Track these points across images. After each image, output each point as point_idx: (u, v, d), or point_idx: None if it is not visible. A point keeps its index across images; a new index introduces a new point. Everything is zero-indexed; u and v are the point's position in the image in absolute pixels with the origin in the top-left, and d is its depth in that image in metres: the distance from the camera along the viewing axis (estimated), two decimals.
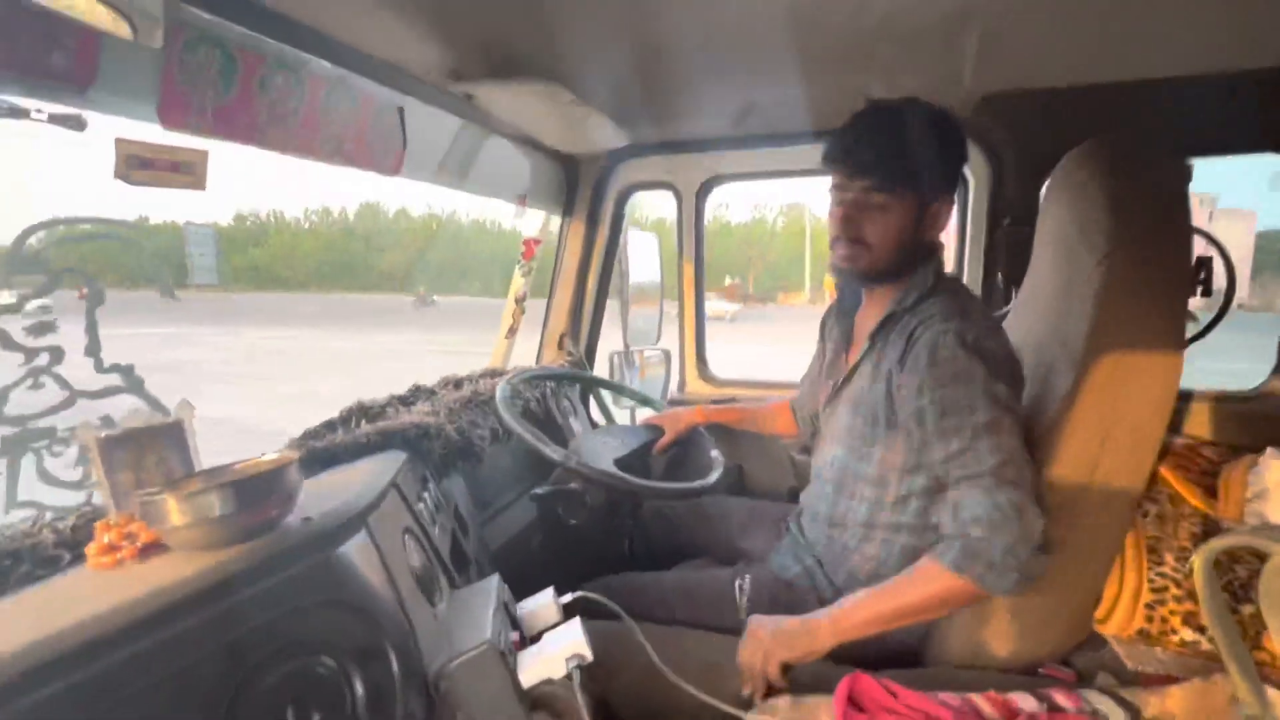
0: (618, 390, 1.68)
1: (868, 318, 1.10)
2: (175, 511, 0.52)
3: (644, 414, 1.76)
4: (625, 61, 1.18)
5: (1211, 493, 1.10)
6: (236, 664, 0.50)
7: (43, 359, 0.78)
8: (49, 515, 0.71)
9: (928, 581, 0.88)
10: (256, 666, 0.51)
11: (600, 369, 1.90)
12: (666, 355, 1.95)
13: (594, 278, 1.87)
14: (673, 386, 1.95)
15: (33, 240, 0.78)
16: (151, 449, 0.62)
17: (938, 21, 1.00)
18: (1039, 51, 1.16)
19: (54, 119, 0.73)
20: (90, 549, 0.56)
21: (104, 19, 0.75)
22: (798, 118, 1.51)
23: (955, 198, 1.01)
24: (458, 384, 1.48)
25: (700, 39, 1.06)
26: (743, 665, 0.94)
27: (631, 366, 1.88)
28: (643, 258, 1.96)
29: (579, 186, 1.80)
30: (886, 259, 1.00)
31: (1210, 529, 1.03)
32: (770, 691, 0.92)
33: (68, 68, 0.72)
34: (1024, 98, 1.35)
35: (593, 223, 1.83)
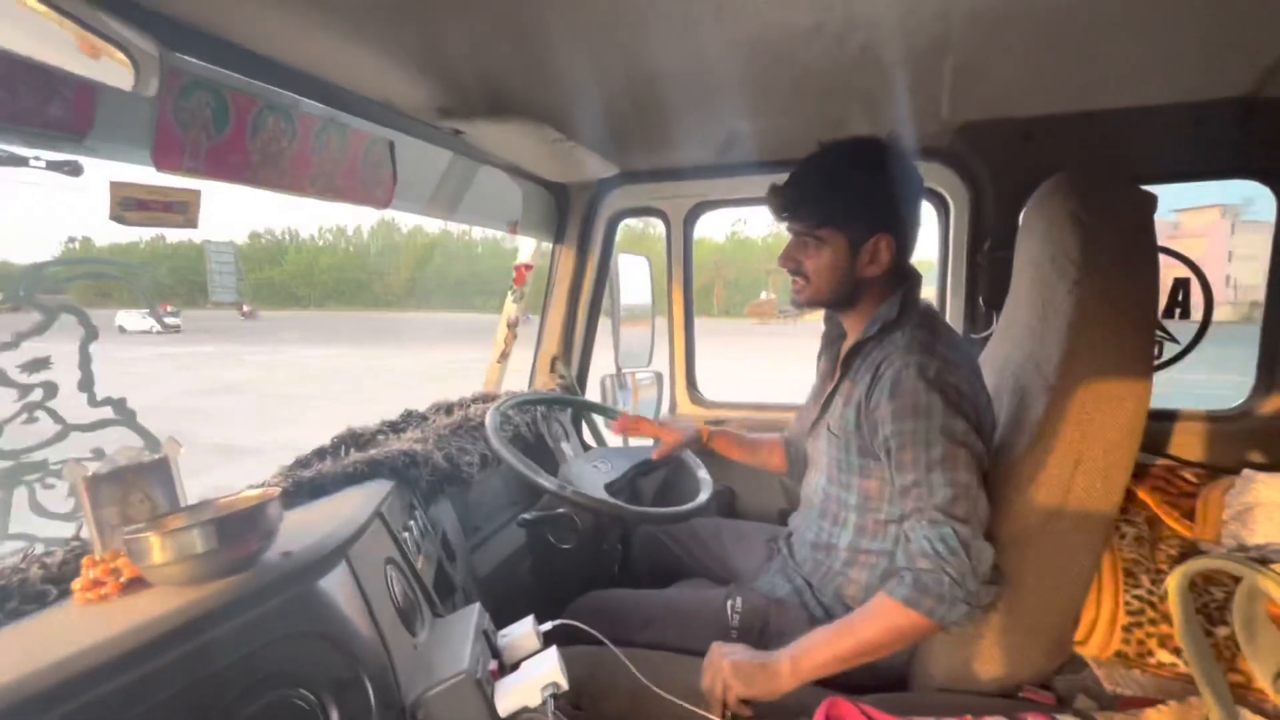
0: (608, 414, 1.70)
1: (845, 347, 1.13)
2: (158, 549, 0.54)
3: (637, 439, 1.78)
4: (612, 98, 1.21)
5: (1190, 515, 1.11)
6: (216, 697, 0.51)
7: (36, 394, 0.81)
8: (38, 549, 0.72)
9: (882, 617, 0.90)
10: (235, 699, 0.52)
11: (593, 391, 1.92)
12: (658, 377, 1.97)
13: (585, 302, 1.89)
14: (664, 409, 1.97)
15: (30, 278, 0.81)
16: (137, 485, 0.64)
17: (915, 53, 1.03)
18: (1014, 82, 1.20)
19: (52, 166, 0.76)
20: (76, 585, 0.57)
21: (102, 71, 0.79)
22: (781, 146, 1.55)
23: (898, 234, 1.02)
24: (449, 410, 1.50)
25: (684, 74, 1.10)
26: (703, 690, 0.95)
27: (624, 388, 1.90)
28: (634, 281, 1.99)
29: (569, 213, 1.84)
30: (825, 291, 1.05)
31: (1188, 551, 1.05)
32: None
33: (66, 117, 0.75)
34: (1000, 126, 1.39)
35: (583, 248, 1.86)
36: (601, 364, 1.96)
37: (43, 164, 0.76)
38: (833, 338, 1.23)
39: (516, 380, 1.90)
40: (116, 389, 0.84)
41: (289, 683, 0.56)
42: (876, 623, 0.90)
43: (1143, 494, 1.12)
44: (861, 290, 1.06)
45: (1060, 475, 0.91)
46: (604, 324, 1.97)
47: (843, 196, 1.00)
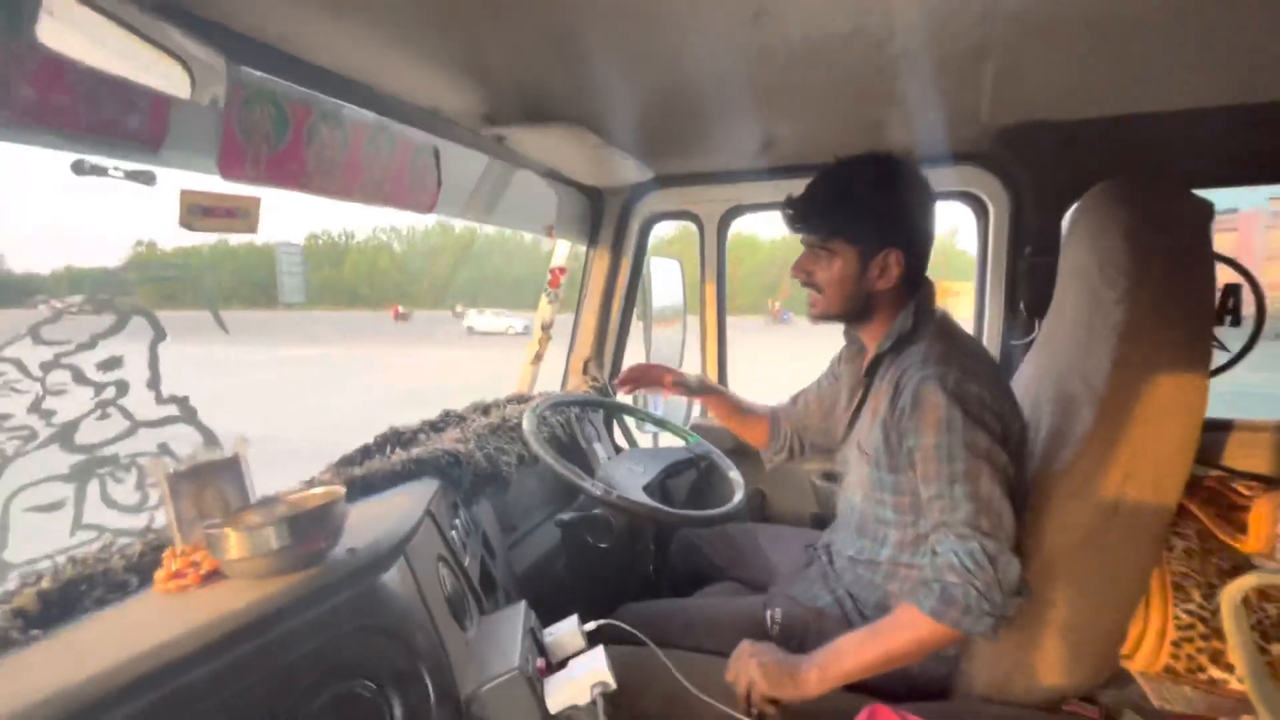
0: (640, 416, 1.72)
1: (865, 362, 1.13)
2: (236, 544, 0.57)
3: (665, 439, 1.79)
4: (649, 102, 1.23)
5: (1241, 528, 1.08)
6: (289, 687, 0.54)
7: (109, 392, 0.85)
8: (113, 538, 0.76)
9: (908, 627, 0.90)
10: (306, 689, 0.55)
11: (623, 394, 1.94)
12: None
13: (618, 305, 1.91)
14: (695, 411, 1.97)
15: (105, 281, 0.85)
16: (211, 482, 0.67)
17: (954, 56, 1.02)
18: (1055, 85, 1.18)
19: (129, 175, 0.80)
20: (158, 575, 0.61)
21: (173, 83, 0.83)
22: (817, 150, 1.55)
23: (908, 249, 1.02)
24: (486, 410, 1.53)
25: (721, 79, 1.10)
26: (727, 681, 0.96)
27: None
28: (666, 284, 2.01)
29: (603, 217, 1.86)
30: (837, 304, 1.07)
31: (1240, 565, 1.02)
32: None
33: (143, 129, 0.79)
34: (1042, 130, 1.37)
35: (617, 251, 1.88)
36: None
37: (121, 174, 0.79)
38: (854, 350, 1.23)
39: (549, 382, 1.93)
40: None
41: (355, 674, 0.58)
42: (904, 633, 0.91)
43: (1193, 506, 1.10)
44: (874, 303, 1.06)
45: (1109, 488, 0.90)
46: (636, 327, 1.98)
47: (853, 210, 1.02)
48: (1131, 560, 0.92)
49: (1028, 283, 1.48)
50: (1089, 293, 1.01)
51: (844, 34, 0.92)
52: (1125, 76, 1.13)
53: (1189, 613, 0.95)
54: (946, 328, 1.04)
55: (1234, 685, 0.91)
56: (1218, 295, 1.38)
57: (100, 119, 0.74)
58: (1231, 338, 1.41)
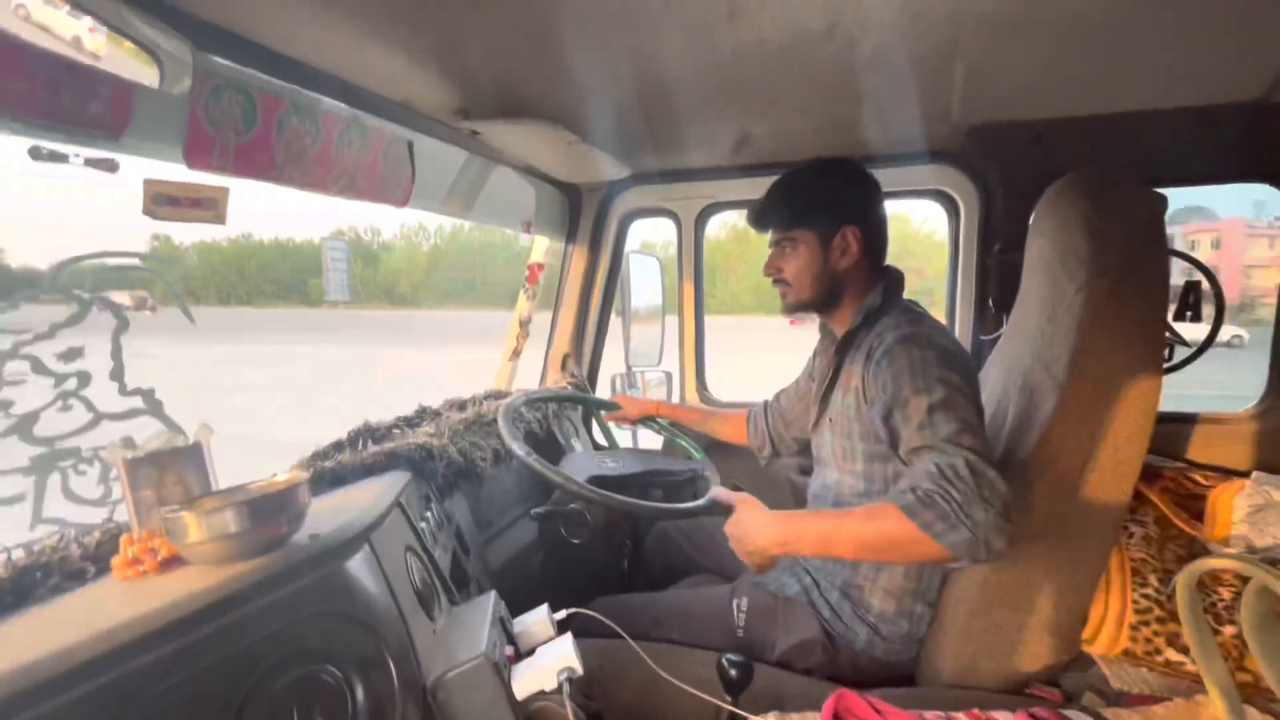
0: (593, 405, 1.72)
1: (836, 346, 1.17)
2: (194, 527, 0.56)
3: (645, 435, 1.79)
4: (625, 99, 1.24)
5: (1198, 516, 1.12)
6: (247, 670, 0.53)
7: (71, 383, 0.84)
8: (73, 531, 0.75)
9: (881, 518, 0.86)
10: (266, 672, 0.54)
11: (603, 390, 1.94)
12: (668, 376, 1.99)
13: (596, 301, 1.92)
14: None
15: (66, 272, 0.84)
16: (172, 469, 0.66)
17: (926, 56, 1.04)
18: (1024, 85, 1.21)
19: (89, 163, 0.79)
20: (115, 561, 0.60)
21: (137, 70, 0.82)
22: (791, 147, 1.57)
23: (863, 226, 1.10)
24: (461, 405, 1.52)
25: (697, 76, 1.12)
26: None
27: (633, 387, 1.92)
28: (645, 280, 2.01)
29: (581, 214, 1.86)
30: (807, 291, 1.13)
31: (1196, 551, 1.05)
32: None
33: (104, 116, 0.78)
34: (1011, 129, 1.40)
35: (595, 248, 1.88)
36: (612, 363, 1.98)
37: (81, 161, 0.78)
38: (826, 345, 1.27)
39: (528, 379, 1.93)
40: None
41: (317, 659, 0.58)
42: (874, 524, 0.87)
43: (1152, 495, 1.13)
44: (841, 286, 1.12)
45: (1069, 473, 0.92)
46: (615, 324, 1.99)
47: (807, 197, 1.12)
48: (1091, 543, 0.95)
49: (996, 280, 1.51)
50: (1051, 284, 1.04)
51: (818, 32, 0.94)
52: (1092, 76, 1.16)
53: (1146, 597, 0.97)
54: (916, 309, 1.09)
55: (1189, 667, 0.94)
56: (1178, 291, 1.44)
57: (58, 105, 0.73)
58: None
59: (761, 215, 1.16)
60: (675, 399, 2.00)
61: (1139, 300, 0.94)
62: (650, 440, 1.85)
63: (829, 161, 1.14)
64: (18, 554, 0.63)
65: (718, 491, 1.10)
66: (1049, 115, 1.36)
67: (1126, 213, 0.99)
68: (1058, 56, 1.07)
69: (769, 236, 1.18)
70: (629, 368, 1.92)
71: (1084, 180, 1.05)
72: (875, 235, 1.12)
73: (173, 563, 0.61)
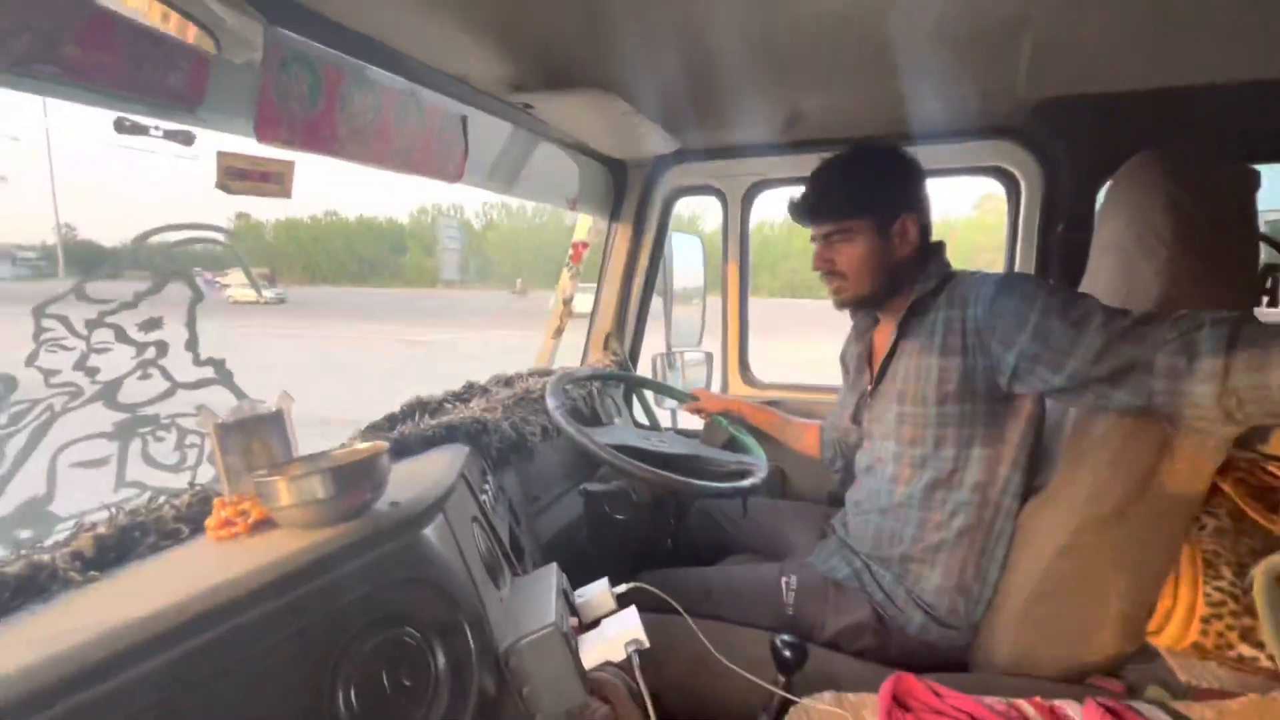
0: (661, 390, 1.72)
1: (885, 330, 1.15)
2: (285, 492, 0.58)
3: (683, 417, 1.79)
4: (677, 70, 1.21)
5: (1273, 508, 1.07)
6: (340, 630, 0.55)
7: (150, 352, 0.86)
8: (158, 494, 0.78)
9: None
10: (356, 633, 0.56)
11: (644, 370, 1.94)
12: (708, 357, 1.98)
13: (639, 280, 1.91)
14: (715, 388, 1.97)
15: (147, 244, 0.86)
16: (257, 434, 0.68)
17: (991, 28, 0.99)
18: (1094, 57, 1.15)
19: (168, 135, 0.80)
20: (210, 522, 0.62)
21: (212, 42, 0.83)
22: (845, 123, 1.52)
23: (919, 212, 1.08)
24: (508, 382, 1.54)
25: (751, 47, 1.09)
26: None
27: (673, 368, 1.92)
28: (687, 260, 2.00)
29: (626, 191, 1.84)
30: (867, 282, 1.10)
31: (1272, 545, 1.01)
32: None
33: (182, 88, 0.79)
34: (1079, 103, 1.33)
35: (639, 226, 1.87)
36: (653, 343, 1.98)
37: (160, 133, 0.80)
38: (861, 331, 1.25)
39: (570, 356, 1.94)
40: None
41: (402, 622, 0.60)
42: None
43: (1225, 485, 1.08)
44: (899, 275, 1.09)
45: (1144, 461, 0.89)
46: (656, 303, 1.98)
47: (864, 185, 1.08)
48: (1162, 535, 0.92)
49: (1060, 261, 1.46)
50: (1125, 267, 0.99)
51: (878, 3, 0.90)
52: (1166, 47, 1.10)
53: (1220, 590, 0.94)
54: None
55: (1264, 663, 0.91)
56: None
57: (141, 77, 0.75)
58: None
59: (814, 207, 1.12)
60: (715, 381, 1.99)
61: (1225, 281, 0.90)
62: (687, 422, 1.85)
63: (874, 148, 1.10)
64: (116, 512, 0.66)
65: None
66: (1121, 89, 1.29)
67: (1214, 189, 0.94)
68: (1132, 26, 1.01)
69: (811, 231, 1.14)
70: (669, 348, 1.91)
71: (1166, 156, 1.00)
72: (928, 221, 1.11)
73: (263, 525, 0.63)
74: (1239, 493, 1.06)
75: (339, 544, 0.58)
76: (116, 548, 0.60)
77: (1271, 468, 1.14)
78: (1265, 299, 1.37)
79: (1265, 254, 1.43)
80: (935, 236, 1.14)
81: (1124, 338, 0.80)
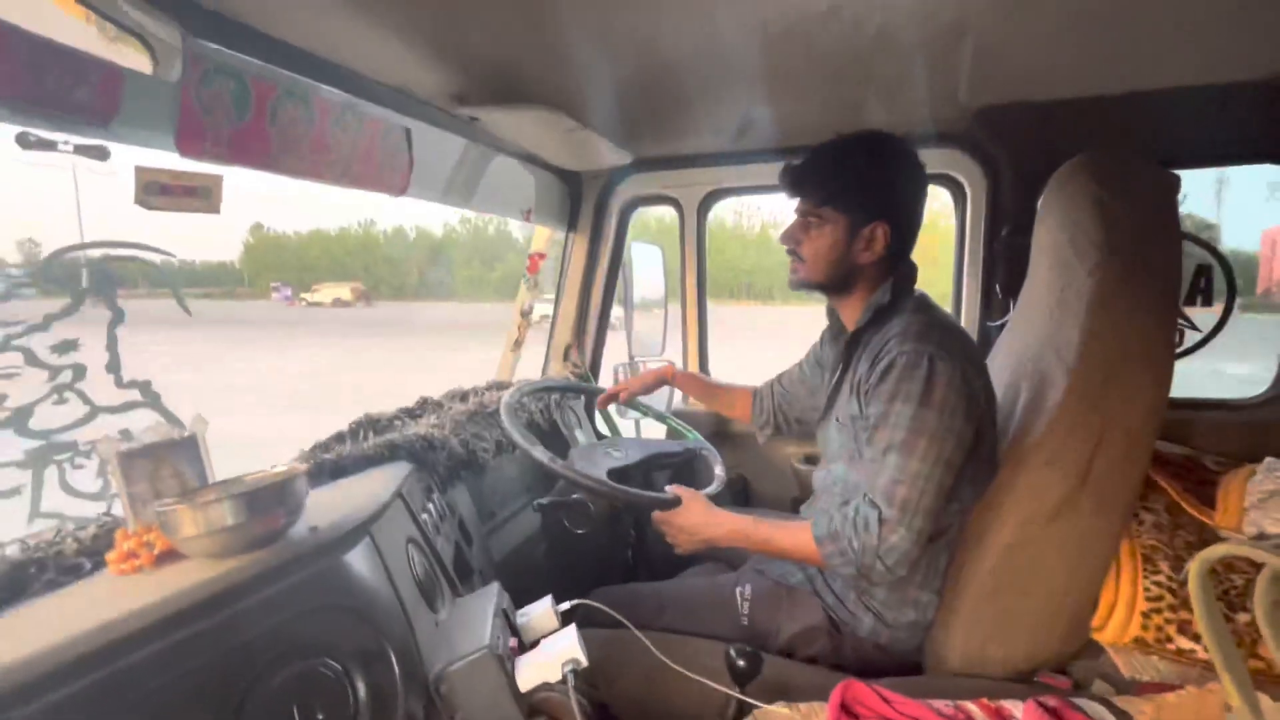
0: (569, 390, 1.70)
1: (845, 342, 1.15)
2: (189, 521, 0.55)
3: (649, 425, 1.78)
4: (626, 84, 1.21)
5: (1210, 503, 1.10)
6: (246, 665, 0.52)
7: (66, 376, 0.82)
8: (71, 525, 0.74)
9: (797, 533, 1.01)
10: (265, 667, 0.53)
11: (605, 380, 1.93)
12: (670, 366, 1.97)
13: (598, 290, 1.90)
14: (677, 397, 1.97)
15: (62, 261, 0.83)
16: (167, 462, 0.65)
17: (933, 36, 1.01)
18: (1033, 65, 1.18)
19: (79, 150, 0.77)
20: (110, 556, 0.59)
21: (126, 55, 0.80)
22: (796, 131, 1.54)
23: (895, 224, 1.04)
24: (463, 396, 1.51)
25: (698, 59, 1.09)
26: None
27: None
28: (647, 269, 1.99)
29: (582, 201, 1.84)
30: (820, 273, 1.08)
31: (1208, 538, 1.04)
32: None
33: (91, 102, 0.76)
34: (1019, 110, 1.37)
35: (596, 236, 1.86)
36: (616, 353, 1.96)
37: (70, 148, 0.77)
38: (835, 332, 1.25)
39: (529, 369, 1.91)
40: None
41: (317, 653, 0.57)
42: (793, 535, 1.01)
43: (1163, 481, 1.11)
44: (855, 276, 1.08)
45: (1079, 458, 0.91)
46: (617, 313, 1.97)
47: (846, 179, 1.04)
48: (1102, 531, 0.93)
49: (1004, 264, 1.49)
50: (1061, 267, 1.02)
51: (821, 12, 0.91)
52: (1102, 55, 1.13)
53: (1158, 584, 0.96)
54: (925, 303, 1.06)
55: (1201, 654, 0.93)
56: (1190, 275, 1.41)
57: (44, 89, 0.72)
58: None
59: (798, 180, 1.08)
60: (677, 394, 1.98)
61: (1151, 281, 0.92)
62: (652, 429, 1.84)
63: (881, 139, 1.04)
64: (13, 549, 0.62)
65: (672, 487, 1.15)
66: (1058, 96, 1.33)
67: (1139, 193, 0.97)
68: (1068, 35, 1.04)
69: (796, 204, 1.10)
70: (631, 357, 1.90)
71: (1094, 161, 1.03)
72: (904, 234, 1.06)
73: (169, 557, 0.60)
74: (1175, 487, 1.09)
75: (246, 574, 0.56)
76: (8, 586, 0.57)
77: (1207, 463, 1.18)
78: (1199, 298, 1.42)
79: (1200, 255, 1.48)
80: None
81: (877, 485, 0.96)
